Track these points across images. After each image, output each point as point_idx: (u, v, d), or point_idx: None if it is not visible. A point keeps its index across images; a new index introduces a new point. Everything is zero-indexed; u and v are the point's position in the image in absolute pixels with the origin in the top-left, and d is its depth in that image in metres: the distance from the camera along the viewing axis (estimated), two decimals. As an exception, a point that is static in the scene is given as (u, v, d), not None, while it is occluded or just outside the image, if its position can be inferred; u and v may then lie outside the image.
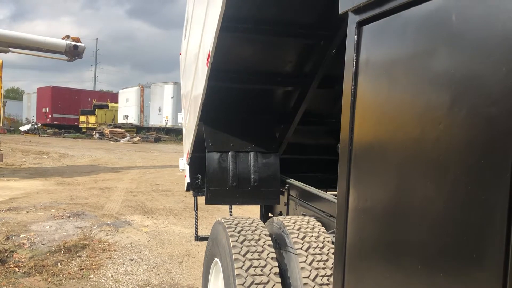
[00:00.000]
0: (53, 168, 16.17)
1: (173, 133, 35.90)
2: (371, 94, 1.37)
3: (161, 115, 35.93)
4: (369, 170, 1.41)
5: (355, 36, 1.35)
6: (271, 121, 3.97)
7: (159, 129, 37.40)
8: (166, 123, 35.72)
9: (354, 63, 1.39)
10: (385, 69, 1.29)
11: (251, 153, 3.77)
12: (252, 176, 3.71)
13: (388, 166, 1.29)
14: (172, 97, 33.96)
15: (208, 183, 3.65)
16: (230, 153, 3.71)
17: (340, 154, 1.55)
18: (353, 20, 1.38)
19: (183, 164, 4.89)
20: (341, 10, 1.41)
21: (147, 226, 7.91)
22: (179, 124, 5.92)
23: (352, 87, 1.41)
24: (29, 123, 43.07)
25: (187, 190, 4.57)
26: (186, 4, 4.81)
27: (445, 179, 1.04)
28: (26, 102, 50.51)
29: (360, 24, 1.35)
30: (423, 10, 1.12)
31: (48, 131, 39.58)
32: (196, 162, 4.31)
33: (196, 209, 4.62)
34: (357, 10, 1.36)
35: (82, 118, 41.44)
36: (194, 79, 4.00)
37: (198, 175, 4.27)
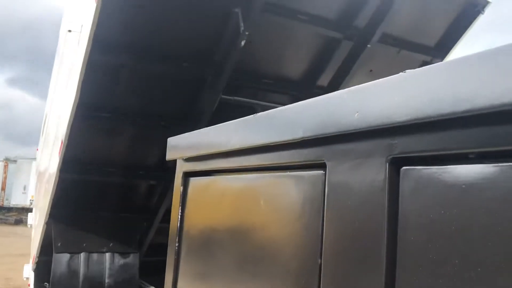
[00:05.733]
0: None
1: (38, 215, 32.82)
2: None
3: (26, 194, 32.79)
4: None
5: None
6: (131, 219, 3.78)
7: (22, 210, 33.90)
8: (31, 203, 32.61)
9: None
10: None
11: (107, 254, 3.49)
12: (106, 281, 3.41)
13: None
14: (40, 175, 31.51)
15: None
16: (82, 254, 3.40)
17: None
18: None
19: (28, 271, 4.36)
20: (168, 157, 1.40)
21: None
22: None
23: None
24: None
25: None
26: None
27: None
28: None
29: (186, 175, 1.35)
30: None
31: None
32: (44, 268, 3.87)
33: None
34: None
35: None
36: (50, 158, 3.71)
37: (45, 283, 3.82)
